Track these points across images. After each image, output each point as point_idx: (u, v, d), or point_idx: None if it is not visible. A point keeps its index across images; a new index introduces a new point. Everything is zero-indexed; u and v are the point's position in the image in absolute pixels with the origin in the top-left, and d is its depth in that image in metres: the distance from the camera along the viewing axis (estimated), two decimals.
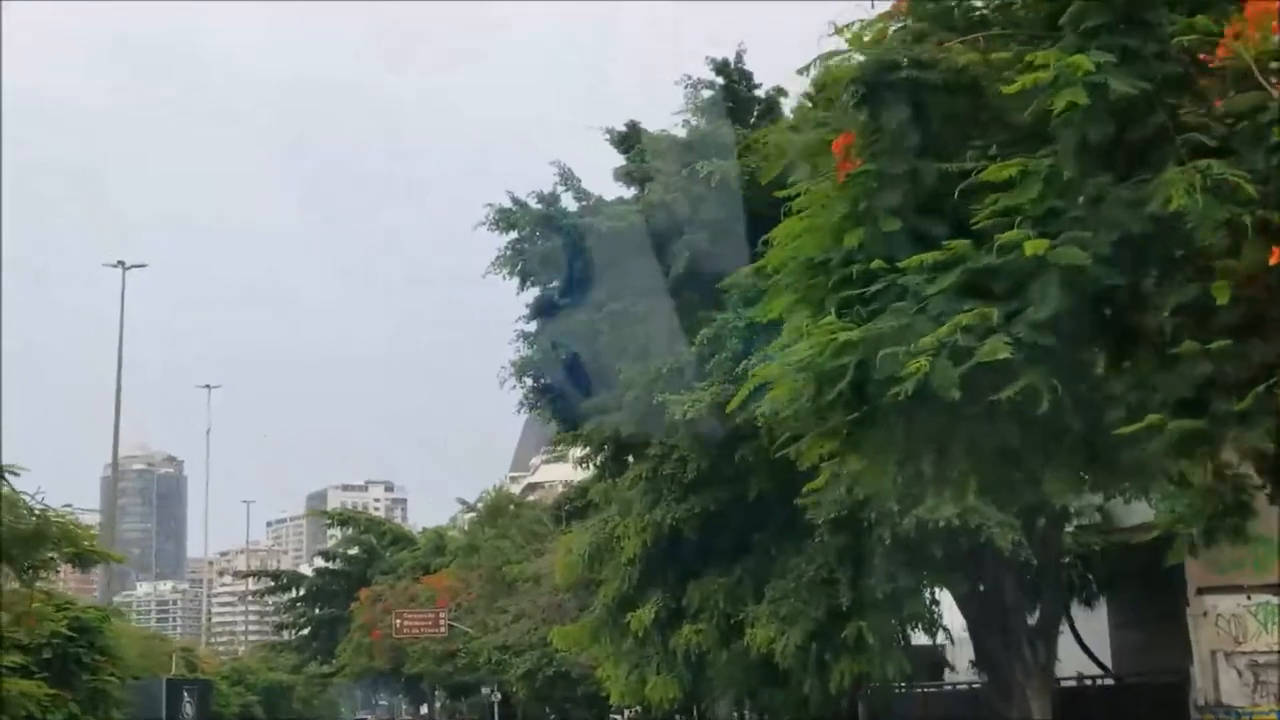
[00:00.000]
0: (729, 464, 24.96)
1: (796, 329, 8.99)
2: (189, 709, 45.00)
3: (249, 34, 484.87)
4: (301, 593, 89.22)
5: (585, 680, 46.47)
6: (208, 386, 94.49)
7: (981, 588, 24.35)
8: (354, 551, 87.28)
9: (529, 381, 30.84)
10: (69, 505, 23.33)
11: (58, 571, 24.98)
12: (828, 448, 9.34)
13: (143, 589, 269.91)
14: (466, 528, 74.12)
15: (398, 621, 65.08)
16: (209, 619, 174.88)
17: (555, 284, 30.32)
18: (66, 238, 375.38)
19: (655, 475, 27.10)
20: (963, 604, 24.91)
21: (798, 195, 9.14)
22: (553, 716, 59.29)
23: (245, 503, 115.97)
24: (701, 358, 25.29)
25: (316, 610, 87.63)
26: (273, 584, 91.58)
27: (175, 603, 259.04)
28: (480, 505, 71.56)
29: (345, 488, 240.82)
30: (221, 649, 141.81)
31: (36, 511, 22.45)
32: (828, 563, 23.81)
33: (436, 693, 79.01)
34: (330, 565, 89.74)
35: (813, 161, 9.13)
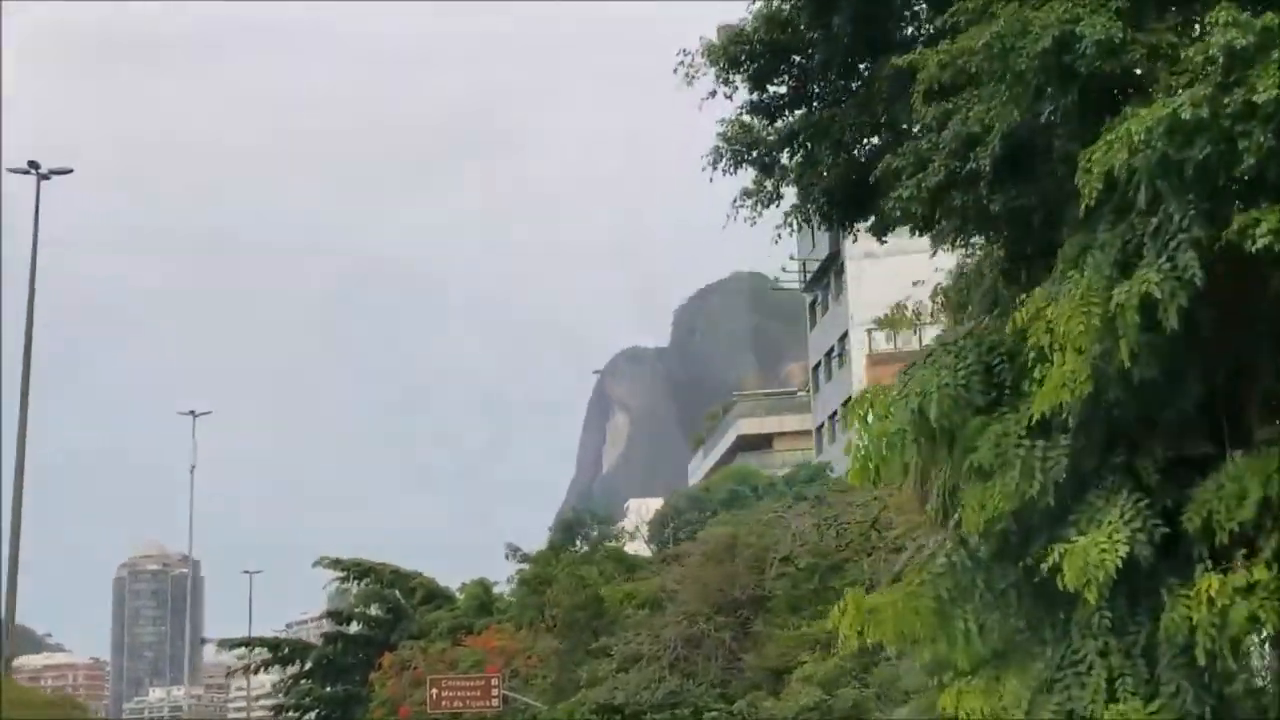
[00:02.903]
0: None
1: None
2: None
3: None
4: (308, 666, 70.87)
5: None
6: (192, 413, 77.22)
7: None
8: (375, 611, 68.96)
9: (753, 170, 16.46)
10: None
11: None
12: None
13: (155, 694, 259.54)
14: (524, 569, 55.87)
15: (434, 691, 47.67)
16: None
17: None
18: None
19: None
20: None
21: None
22: None
23: (248, 573, 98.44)
24: None
25: (327, 689, 69.34)
26: (270, 656, 73.17)
27: (189, 708, 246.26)
28: (549, 530, 53.32)
29: None
30: None
31: None
32: None
33: None
34: (344, 630, 71.31)
35: None
